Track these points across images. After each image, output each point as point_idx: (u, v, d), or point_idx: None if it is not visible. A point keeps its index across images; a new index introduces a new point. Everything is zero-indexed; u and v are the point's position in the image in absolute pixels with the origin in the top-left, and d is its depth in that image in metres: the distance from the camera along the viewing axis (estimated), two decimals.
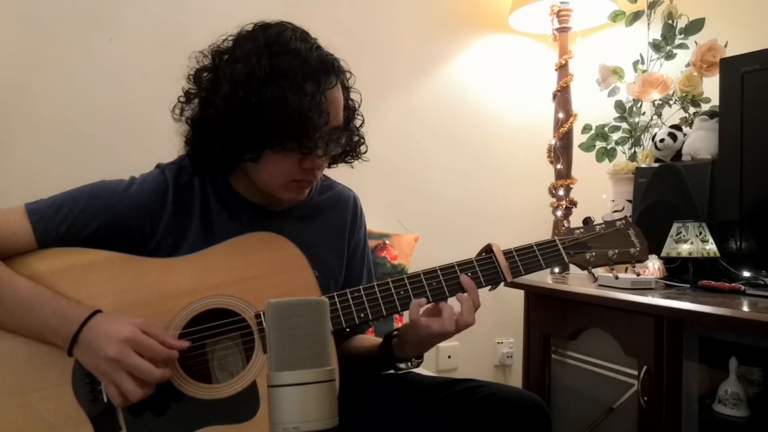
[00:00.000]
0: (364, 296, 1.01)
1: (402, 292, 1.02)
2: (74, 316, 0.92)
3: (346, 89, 1.10)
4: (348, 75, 1.09)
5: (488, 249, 1.08)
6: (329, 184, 1.24)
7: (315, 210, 1.19)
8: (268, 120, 0.96)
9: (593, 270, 1.12)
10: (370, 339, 1.24)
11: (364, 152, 1.18)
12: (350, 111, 1.13)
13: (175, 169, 1.10)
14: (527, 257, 1.08)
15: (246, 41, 1.02)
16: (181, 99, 1.08)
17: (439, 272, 1.04)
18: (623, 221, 1.14)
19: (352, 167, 1.20)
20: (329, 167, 1.16)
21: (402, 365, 1.13)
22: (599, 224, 1.13)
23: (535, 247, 1.09)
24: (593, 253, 1.11)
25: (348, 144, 1.12)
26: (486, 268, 1.06)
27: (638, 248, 1.12)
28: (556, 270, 1.86)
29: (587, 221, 1.14)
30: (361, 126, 1.16)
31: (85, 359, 0.92)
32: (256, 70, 0.96)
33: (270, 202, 1.13)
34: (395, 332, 1.12)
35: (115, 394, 0.90)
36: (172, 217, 1.07)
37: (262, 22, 1.05)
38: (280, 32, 1.01)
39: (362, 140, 1.17)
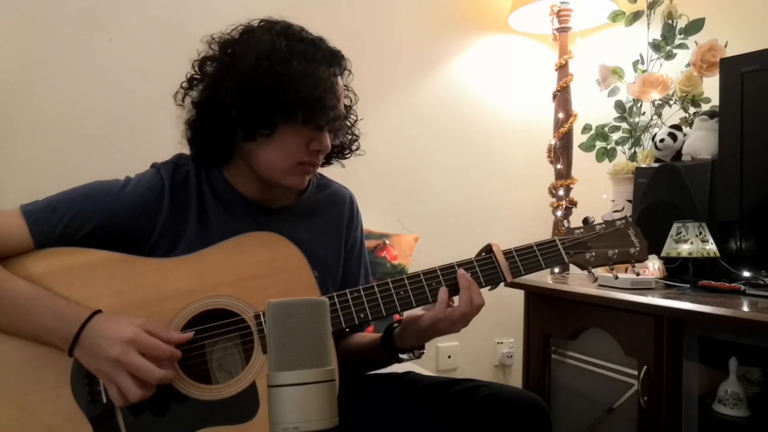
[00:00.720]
0: (363, 296, 1.01)
1: (402, 293, 1.02)
2: (74, 316, 0.92)
3: (345, 87, 1.14)
4: (347, 73, 1.13)
5: (488, 249, 1.08)
6: (326, 183, 1.24)
7: (312, 209, 1.19)
8: (290, 91, 0.99)
9: (593, 270, 1.12)
10: (369, 335, 1.24)
11: (357, 149, 1.21)
12: (347, 108, 1.16)
13: (171, 168, 1.10)
14: (527, 257, 1.08)
15: (259, 29, 1.07)
16: (184, 85, 1.09)
17: (438, 272, 1.04)
18: (623, 221, 1.14)
19: (343, 166, 1.21)
20: (323, 166, 1.17)
21: (404, 356, 1.13)
22: (599, 224, 1.13)
23: (535, 247, 1.09)
24: (593, 253, 1.11)
25: (343, 138, 1.16)
26: (486, 267, 1.06)
27: (638, 248, 1.12)
28: (556, 270, 1.86)
29: (587, 221, 1.14)
30: (354, 123, 1.19)
31: (86, 360, 0.92)
32: (277, 46, 1.01)
33: (267, 199, 1.13)
34: (396, 324, 1.12)
35: (116, 394, 0.90)
36: (169, 217, 1.07)
37: (268, 18, 1.09)
38: (289, 26, 1.08)
39: (356, 137, 1.20)
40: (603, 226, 1.13)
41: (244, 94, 1.00)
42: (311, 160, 1.07)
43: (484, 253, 1.09)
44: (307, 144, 1.05)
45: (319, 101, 1.00)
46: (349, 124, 1.18)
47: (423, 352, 1.13)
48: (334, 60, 1.06)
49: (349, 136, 1.19)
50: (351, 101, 1.18)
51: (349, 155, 1.21)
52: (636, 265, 1.14)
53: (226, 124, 1.03)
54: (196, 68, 1.09)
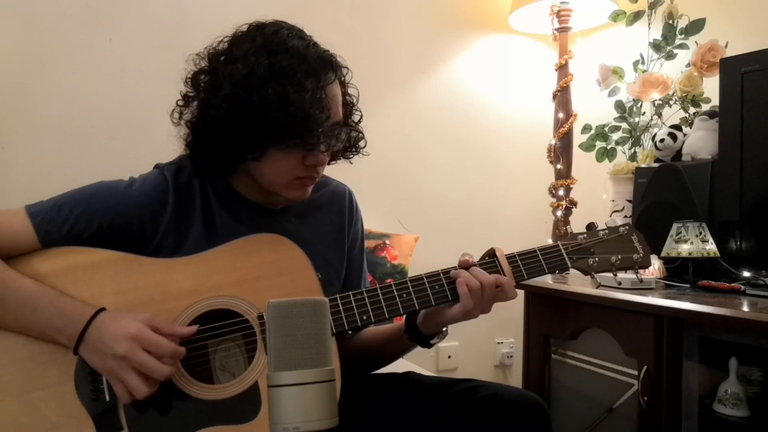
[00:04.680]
0: (366, 299, 1.01)
1: (405, 295, 1.02)
2: (79, 314, 0.92)
3: (344, 85, 1.11)
4: (345, 71, 1.10)
5: (491, 253, 1.08)
6: (324, 181, 1.24)
7: (313, 207, 1.19)
8: (270, 118, 0.96)
9: (596, 276, 1.12)
10: (380, 328, 1.22)
11: (363, 147, 1.18)
12: (349, 106, 1.14)
13: (174, 170, 1.10)
14: (530, 262, 1.08)
15: (243, 41, 1.02)
16: (180, 102, 1.08)
17: (441, 275, 1.04)
18: (626, 227, 1.14)
19: (351, 163, 1.20)
20: (329, 164, 1.16)
21: (434, 340, 1.12)
22: (602, 230, 1.13)
23: (538, 252, 1.08)
24: (596, 259, 1.11)
25: (348, 139, 1.13)
26: (489, 272, 1.06)
27: (641, 254, 1.12)
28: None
29: (591, 227, 1.14)
30: (359, 121, 1.17)
31: (91, 357, 0.92)
32: (255, 69, 0.97)
33: (270, 201, 1.13)
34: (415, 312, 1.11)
35: (122, 391, 0.90)
36: (173, 217, 1.07)
37: (256, 22, 1.05)
38: (277, 31, 1.02)
39: (361, 135, 1.17)
40: (606, 232, 1.13)
41: (226, 123, 0.99)
42: (309, 175, 1.06)
43: (487, 257, 1.08)
44: (302, 160, 1.03)
45: (304, 121, 0.97)
46: (352, 123, 1.15)
47: (446, 333, 1.13)
48: (323, 66, 1.01)
49: (355, 134, 1.15)
50: (353, 98, 1.15)
51: (356, 153, 1.18)
52: (639, 271, 1.14)
53: (220, 147, 1.02)
54: (189, 84, 1.07)
